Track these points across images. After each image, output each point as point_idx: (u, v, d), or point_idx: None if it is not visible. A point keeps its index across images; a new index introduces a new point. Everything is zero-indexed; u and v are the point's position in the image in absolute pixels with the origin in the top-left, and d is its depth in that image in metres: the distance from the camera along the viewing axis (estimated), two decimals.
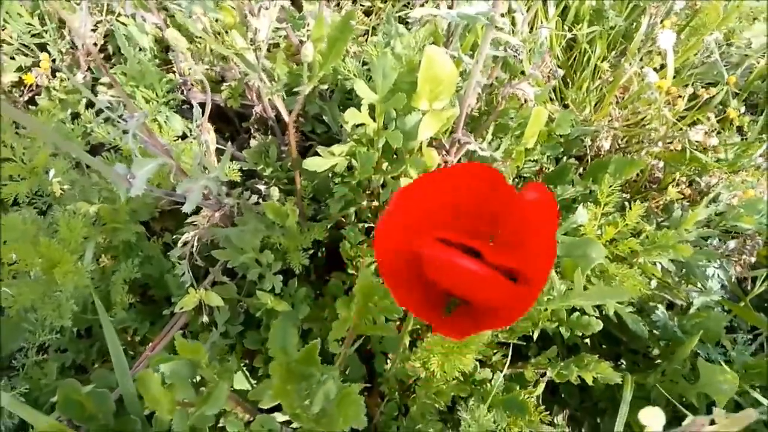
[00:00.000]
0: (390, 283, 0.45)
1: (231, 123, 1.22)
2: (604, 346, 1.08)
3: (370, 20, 1.37)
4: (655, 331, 0.95)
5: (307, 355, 0.53)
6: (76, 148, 0.54)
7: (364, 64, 1.06)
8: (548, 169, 1.11)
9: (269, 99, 0.88)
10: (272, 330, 0.65)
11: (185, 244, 0.76)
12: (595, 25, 1.24)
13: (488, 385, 0.81)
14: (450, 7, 0.75)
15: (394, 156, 0.86)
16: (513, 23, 0.79)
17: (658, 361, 1.02)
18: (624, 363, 1.05)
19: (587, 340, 1.04)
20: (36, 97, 1.14)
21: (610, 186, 0.85)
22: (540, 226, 0.44)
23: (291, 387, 0.55)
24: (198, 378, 0.60)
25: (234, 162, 0.90)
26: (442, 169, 0.48)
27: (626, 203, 0.99)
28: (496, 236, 0.48)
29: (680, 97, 0.99)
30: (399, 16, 1.35)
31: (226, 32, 0.93)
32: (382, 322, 0.63)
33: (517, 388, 0.82)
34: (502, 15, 0.69)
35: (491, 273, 0.41)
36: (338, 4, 1.36)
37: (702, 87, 1.22)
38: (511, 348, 0.85)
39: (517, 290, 0.43)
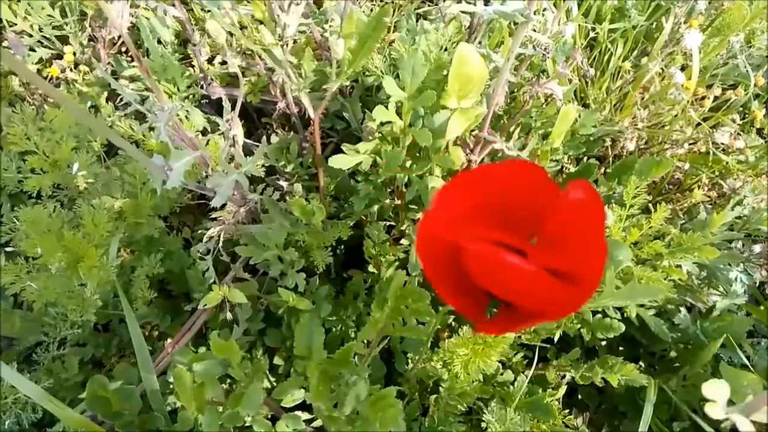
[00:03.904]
0: (433, 277, 0.44)
1: (249, 118, 1.21)
2: (621, 348, 1.08)
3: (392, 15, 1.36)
4: (676, 334, 0.94)
5: (343, 357, 0.53)
6: (116, 136, 0.54)
7: (382, 54, 1.05)
8: (569, 169, 1.10)
9: (294, 95, 0.87)
10: (298, 329, 0.64)
11: (210, 239, 0.75)
12: (617, 24, 1.23)
13: (510, 387, 0.80)
14: (487, 3, 0.74)
15: (418, 154, 0.86)
16: (542, 21, 0.78)
17: (677, 363, 1.01)
18: (642, 365, 1.04)
19: (604, 343, 1.03)
20: (56, 88, 1.14)
21: (637, 187, 0.84)
22: (587, 225, 0.43)
23: (323, 388, 0.55)
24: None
25: (262, 147, 0.90)
26: (486, 166, 0.47)
27: (649, 205, 0.98)
28: (538, 236, 0.47)
29: (705, 98, 0.98)
30: (418, 13, 1.34)
31: (243, 28, 0.92)
32: (413, 324, 0.62)
33: (539, 390, 0.81)
34: (535, 13, 0.68)
35: (540, 271, 0.40)
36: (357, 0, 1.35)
37: (724, 88, 1.21)
38: (534, 350, 0.85)
39: (567, 290, 0.41)
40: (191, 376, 0.49)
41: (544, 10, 0.76)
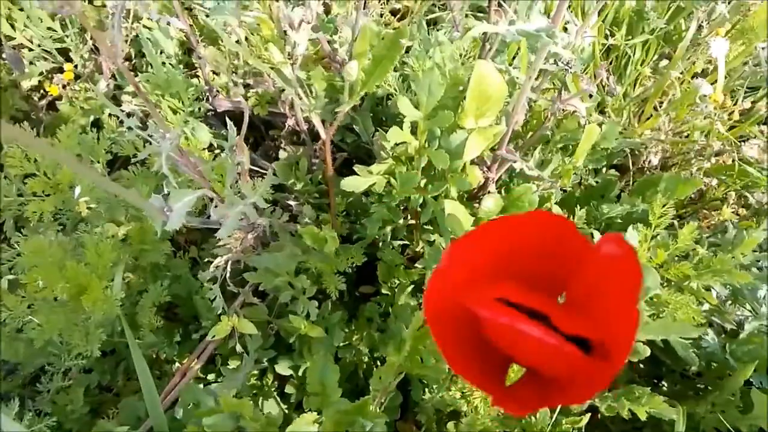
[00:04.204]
0: (443, 348, 0.39)
1: (256, 129, 1.17)
2: (642, 366, 1.04)
3: (399, 21, 1.32)
4: (703, 359, 0.90)
5: (359, 409, 0.49)
6: (104, 180, 0.51)
7: (395, 69, 1.01)
8: (587, 180, 1.06)
9: (304, 115, 0.84)
10: (311, 367, 0.61)
11: (217, 267, 0.72)
12: (635, 28, 1.19)
13: (533, 417, 0.77)
14: (499, 7, 0.70)
15: (433, 173, 0.82)
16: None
17: (700, 384, 0.98)
18: (665, 384, 1.01)
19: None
20: (56, 102, 1.11)
21: (663, 206, 0.80)
22: (620, 287, 0.38)
23: None
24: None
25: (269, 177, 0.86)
26: (503, 218, 0.42)
27: (673, 221, 0.94)
28: (566, 294, 0.43)
29: (731, 109, 0.93)
30: (428, 19, 1.30)
31: (252, 35, 0.89)
32: (431, 363, 0.59)
33: (563, 420, 0.78)
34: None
35: (562, 343, 0.35)
36: (364, 6, 1.31)
37: (748, 89, 1.16)
38: None
39: (593, 365, 0.37)
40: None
41: (567, 23, 0.72)
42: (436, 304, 0.38)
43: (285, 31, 0.66)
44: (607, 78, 0.76)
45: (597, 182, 1.00)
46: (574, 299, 0.41)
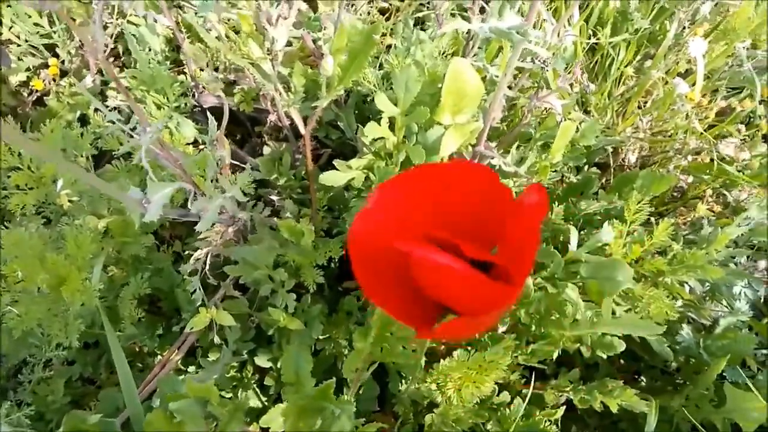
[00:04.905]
0: (364, 285, 0.41)
1: (242, 125, 1.18)
2: (622, 361, 1.05)
3: (387, 21, 1.33)
4: (680, 354, 0.91)
5: (322, 393, 0.50)
6: (83, 172, 0.51)
7: (380, 67, 1.02)
8: (569, 178, 1.07)
9: (285, 110, 0.85)
10: (285, 356, 0.62)
11: (197, 260, 0.73)
12: (620, 28, 1.20)
13: (507, 409, 0.78)
14: (482, 12, 0.72)
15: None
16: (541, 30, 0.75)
17: (679, 379, 0.99)
18: (644, 379, 1.02)
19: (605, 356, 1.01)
20: (44, 97, 1.12)
21: (639, 203, 0.82)
22: (529, 222, 0.41)
23: (304, 423, 0.52)
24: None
25: (247, 171, 0.87)
26: (432, 165, 0.45)
27: (651, 218, 0.96)
28: (498, 245, 0.45)
29: (709, 108, 0.95)
30: (416, 18, 1.31)
31: (237, 33, 0.90)
32: (400, 351, 0.60)
33: (537, 411, 0.79)
34: (534, 27, 0.65)
35: (466, 268, 0.38)
36: (352, 5, 1.32)
37: (727, 91, 1.18)
38: (528, 368, 0.82)
39: (495, 287, 0.39)
40: (167, 419, 0.47)
41: (543, 21, 0.73)
42: (360, 244, 0.40)
43: (264, 27, 0.67)
44: (581, 75, 0.77)
45: (578, 179, 1.01)
46: (505, 249, 0.43)
